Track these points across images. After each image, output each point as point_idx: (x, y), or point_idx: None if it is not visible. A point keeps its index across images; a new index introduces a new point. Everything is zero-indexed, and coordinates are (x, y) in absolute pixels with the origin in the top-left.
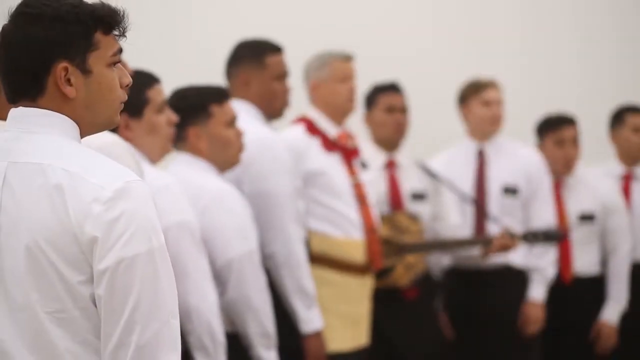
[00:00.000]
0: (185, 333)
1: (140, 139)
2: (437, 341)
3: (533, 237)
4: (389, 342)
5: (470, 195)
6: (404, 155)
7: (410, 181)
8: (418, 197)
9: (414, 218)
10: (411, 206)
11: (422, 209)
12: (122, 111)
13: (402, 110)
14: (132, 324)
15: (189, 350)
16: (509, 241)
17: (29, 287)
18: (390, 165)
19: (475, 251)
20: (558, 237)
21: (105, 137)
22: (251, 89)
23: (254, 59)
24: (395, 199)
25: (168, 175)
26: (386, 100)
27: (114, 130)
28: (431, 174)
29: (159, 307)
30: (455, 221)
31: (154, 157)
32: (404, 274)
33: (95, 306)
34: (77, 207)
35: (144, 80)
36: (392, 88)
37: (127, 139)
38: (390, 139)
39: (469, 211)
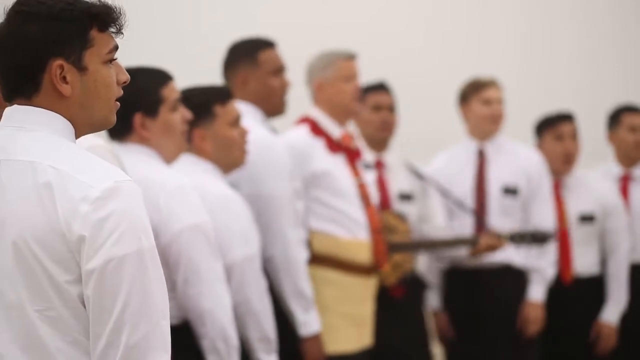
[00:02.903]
0: (198, 336)
1: (156, 139)
2: (423, 340)
3: (520, 238)
4: (377, 341)
5: (467, 197)
6: (393, 156)
7: (398, 182)
8: (405, 197)
9: (401, 217)
10: (398, 207)
11: (409, 210)
12: (137, 111)
13: (390, 108)
14: (121, 324)
15: (202, 353)
16: (495, 241)
17: (18, 284)
18: (379, 166)
19: (462, 251)
20: (545, 238)
21: (91, 141)
22: (249, 88)
23: (248, 57)
24: (383, 199)
25: (182, 177)
26: (373, 99)
27: (132, 129)
28: (419, 176)
29: (148, 307)
30: (441, 223)
31: (170, 157)
32: (391, 272)
33: (84, 306)
34: (66, 206)
35: (157, 79)
36: (379, 87)
37: (144, 138)
38: (377, 137)
39: (470, 210)
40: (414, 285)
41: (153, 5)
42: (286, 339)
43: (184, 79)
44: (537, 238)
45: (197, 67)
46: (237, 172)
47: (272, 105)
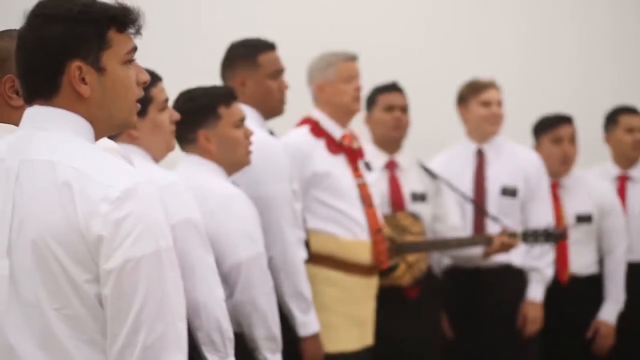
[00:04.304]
0: (193, 329)
1: (144, 138)
2: (439, 340)
3: (533, 237)
4: (390, 341)
5: (471, 196)
6: (406, 156)
7: (410, 182)
8: (418, 198)
9: (415, 218)
10: (411, 207)
11: (422, 210)
12: None
13: (402, 108)
14: (139, 324)
15: (197, 345)
16: (509, 240)
17: (36, 283)
18: (391, 166)
19: (476, 251)
20: (558, 236)
21: (105, 143)
22: (247, 89)
23: (248, 59)
24: (396, 199)
25: (172, 174)
26: (385, 100)
27: None
28: (432, 175)
29: (165, 308)
30: (456, 223)
31: (158, 155)
32: (405, 273)
33: (102, 306)
34: (85, 206)
35: None
36: (391, 87)
37: (133, 138)
38: (389, 137)
39: (469, 211)
40: (430, 284)
41: (153, 6)
42: (285, 339)
43: (183, 79)
44: (550, 236)
45: (196, 67)
46: (236, 173)
47: (270, 107)
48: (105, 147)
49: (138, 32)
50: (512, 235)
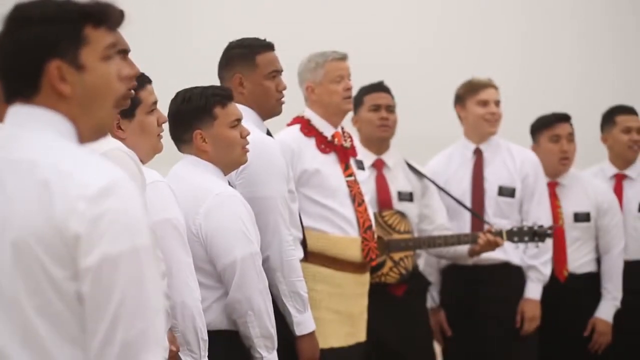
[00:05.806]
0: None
1: (131, 139)
2: (426, 338)
3: (518, 235)
4: (377, 338)
5: (469, 196)
6: (394, 156)
7: (397, 181)
8: (405, 197)
9: (402, 216)
10: (398, 206)
11: (409, 210)
12: None
13: (388, 108)
14: (117, 321)
15: None
16: (494, 238)
17: (16, 281)
18: (378, 165)
19: (462, 249)
20: (543, 235)
21: (110, 144)
22: (245, 90)
23: (246, 59)
24: (383, 198)
25: (155, 173)
26: (371, 99)
27: None
28: (418, 173)
29: (143, 305)
30: (442, 222)
31: (145, 157)
32: (391, 270)
33: (81, 303)
34: (63, 203)
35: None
36: (377, 87)
37: (119, 139)
38: (376, 137)
39: (467, 212)
40: (416, 282)
41: (148, 8)
42: (282, 337)
43: (180, 79)
44: (534, 235)
45: (192, 68)
46: (233, 174)
47: (268, 108)
48: (108, 146)
49: (117, 25)
50: (497, 233)
